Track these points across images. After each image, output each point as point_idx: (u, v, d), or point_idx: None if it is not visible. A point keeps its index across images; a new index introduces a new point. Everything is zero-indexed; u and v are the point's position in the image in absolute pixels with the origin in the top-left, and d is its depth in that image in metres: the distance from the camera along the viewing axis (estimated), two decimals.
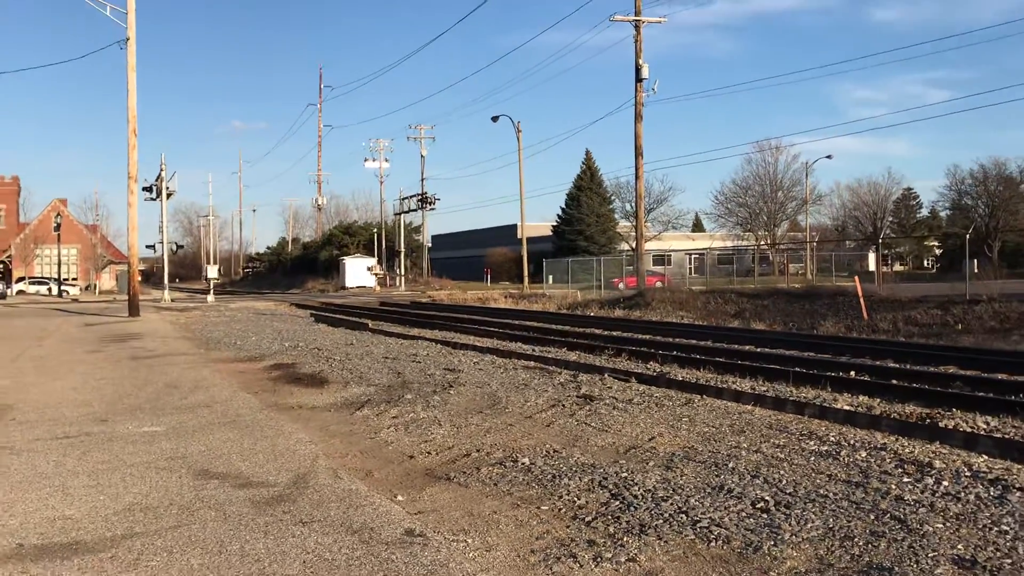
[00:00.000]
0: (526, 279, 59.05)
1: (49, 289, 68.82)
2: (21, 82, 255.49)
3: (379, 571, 4.44)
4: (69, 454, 7.40)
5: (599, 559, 4.65)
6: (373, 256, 74.99)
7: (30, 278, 75.18)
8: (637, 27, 37.50)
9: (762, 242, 74.89)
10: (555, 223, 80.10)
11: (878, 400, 10.23)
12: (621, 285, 48.14)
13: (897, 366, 13.84)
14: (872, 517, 5.25)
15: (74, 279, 78.95)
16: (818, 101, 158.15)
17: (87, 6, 31.32)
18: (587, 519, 5.38)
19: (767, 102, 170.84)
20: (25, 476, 6.61)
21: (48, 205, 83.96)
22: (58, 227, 69.19)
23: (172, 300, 46.19)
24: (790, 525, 5.12)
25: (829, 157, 72.20)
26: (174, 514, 5.53)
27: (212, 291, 50.74)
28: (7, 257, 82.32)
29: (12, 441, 8.00)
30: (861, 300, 24.62)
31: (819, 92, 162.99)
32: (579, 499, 5.82)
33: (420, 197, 71.05)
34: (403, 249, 73.22)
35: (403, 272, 72.33)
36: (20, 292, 67.79)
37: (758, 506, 5.53)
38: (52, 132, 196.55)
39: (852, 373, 12.81)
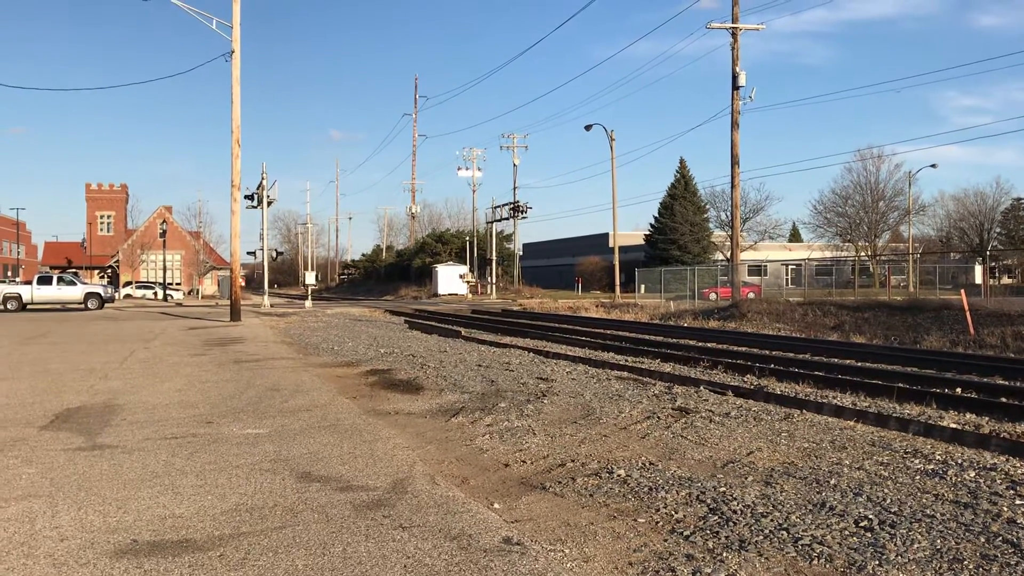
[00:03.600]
0: (617, 288, 58.83)
1: (155, 293, 71.41)
2: (130, 94, 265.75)
3: None
4: (177, 454, 7.66)
5: (698, 574, 4.60)
6: (465, 264, 75.77)
7: (136, 282, 78.20)
8: (734, 35, 37.06)
9: (862, 253, 73.17)
10: (648, 232, 79.63)
11: (986, 418, 9.89)
12: (712, 296, 47.55)
13: (1006, 383, 13.32)
14: (983, 540, 5.08)
15: (178, 284, 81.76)
16: (921, 109, 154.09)
17: (194, 21, 32.46)
18: (685, 533, 5.33)
19: (868, 110, 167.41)
20: (137, 474, 6.87)
21: (154, 212, 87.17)
22: (164, 233, 71.83)
23: (271, 305, 47.41)
24: (895, 545, 4.99)
25: (934, 166, 71.17)
26: (278, 515, 5.67)
27: (310, 297, 51.90)
28: (115, 262, 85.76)
29: (124, 440, 8.33)
30: (967, 314, 23.74)
31: (922, 100, 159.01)
32: (676, 513, 5.77)
33: (512, 206, 71.47)
34: (494, 257, 73.72)
35: (494, 280, 72.80)
36: (127, 296, 70.51)
37: (861, 524, 5.40)
38: (159, 141, 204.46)
39: (958, 390, 12.38)
